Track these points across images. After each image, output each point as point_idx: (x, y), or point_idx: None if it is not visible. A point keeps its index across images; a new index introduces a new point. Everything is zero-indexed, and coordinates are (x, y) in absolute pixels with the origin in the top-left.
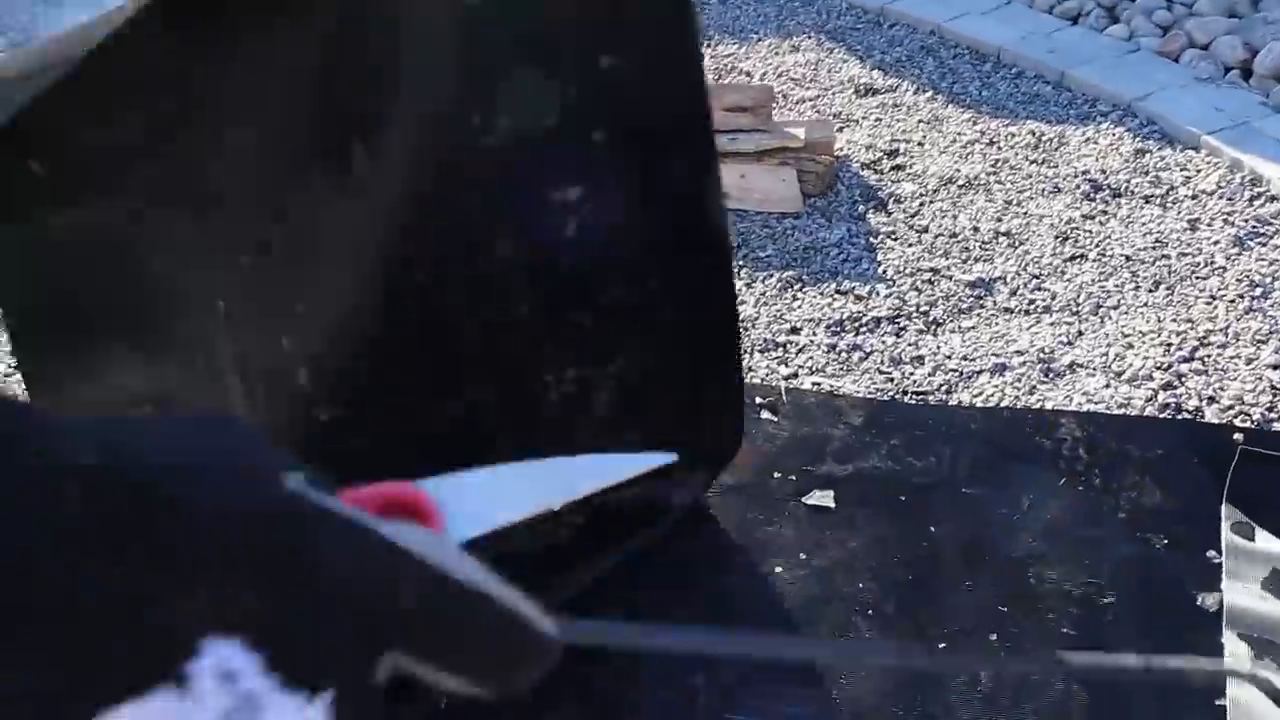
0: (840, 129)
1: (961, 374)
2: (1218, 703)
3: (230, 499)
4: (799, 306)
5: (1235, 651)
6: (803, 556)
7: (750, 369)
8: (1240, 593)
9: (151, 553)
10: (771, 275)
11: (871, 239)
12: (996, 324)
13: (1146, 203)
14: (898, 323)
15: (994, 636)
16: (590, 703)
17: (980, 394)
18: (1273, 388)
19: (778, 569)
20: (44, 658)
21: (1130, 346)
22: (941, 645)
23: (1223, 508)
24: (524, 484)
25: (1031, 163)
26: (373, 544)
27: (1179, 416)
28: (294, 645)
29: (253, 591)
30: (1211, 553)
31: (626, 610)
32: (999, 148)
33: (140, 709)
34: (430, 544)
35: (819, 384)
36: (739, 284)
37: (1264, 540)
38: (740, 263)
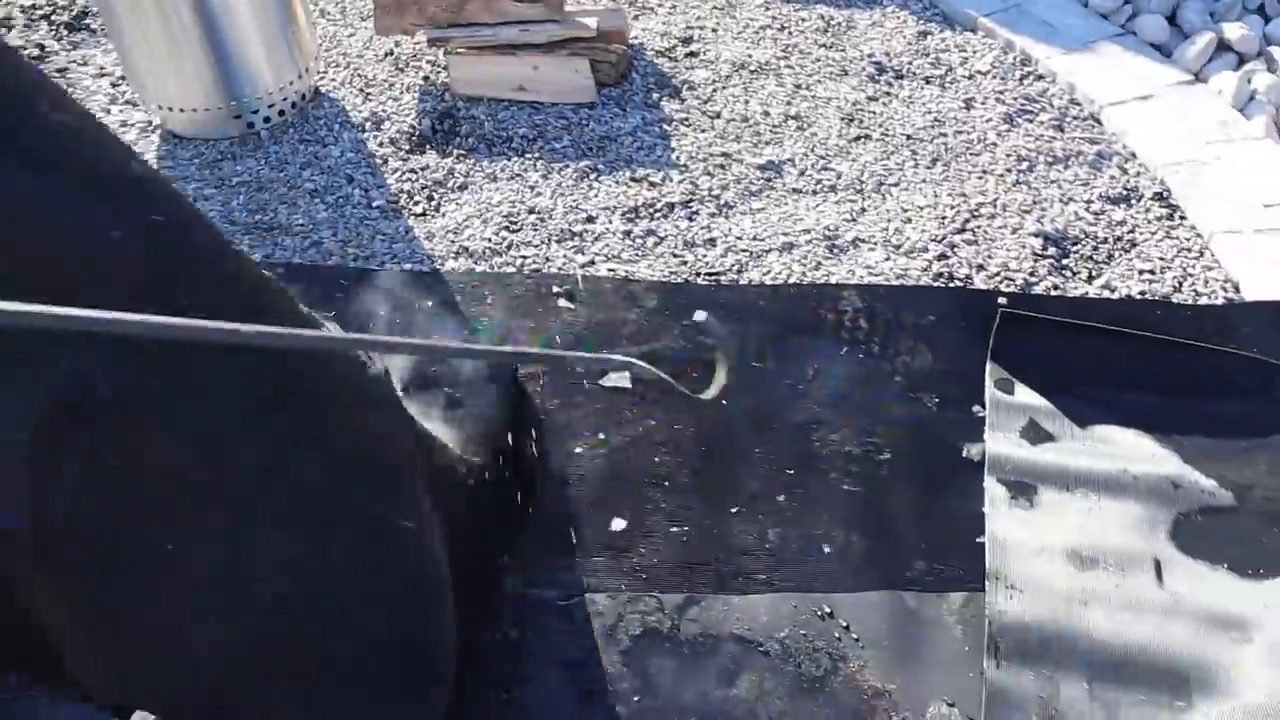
0: (635, 17)
1: (752, 254)
2: (978, 540)
3: None
4: (595, 195)
5: (994, 494)
6: (601, 435)
7: (548, 259)
8: (1001, 442)
9: None
10: (567, 166)
11: (665, 126)
12: (785, 205)
13: (927, 83)
14: (691, 207)
15: (781, 498)
16: None
17: (769, 272)
18: (1034, 255)
19: (577, 449)
20: None
21: (909, 221)
22: (734, 510)
23: (987, 366)
24: None
25: (820, 47)
26: None
27: (951, 285)
28: None
29: None
30: (977, 407)
31: None
32: (790, 33)
33: None
34: None
35: (614, 270)
36: (536, 176)
37: (1023, 394)
38: (537, 155)
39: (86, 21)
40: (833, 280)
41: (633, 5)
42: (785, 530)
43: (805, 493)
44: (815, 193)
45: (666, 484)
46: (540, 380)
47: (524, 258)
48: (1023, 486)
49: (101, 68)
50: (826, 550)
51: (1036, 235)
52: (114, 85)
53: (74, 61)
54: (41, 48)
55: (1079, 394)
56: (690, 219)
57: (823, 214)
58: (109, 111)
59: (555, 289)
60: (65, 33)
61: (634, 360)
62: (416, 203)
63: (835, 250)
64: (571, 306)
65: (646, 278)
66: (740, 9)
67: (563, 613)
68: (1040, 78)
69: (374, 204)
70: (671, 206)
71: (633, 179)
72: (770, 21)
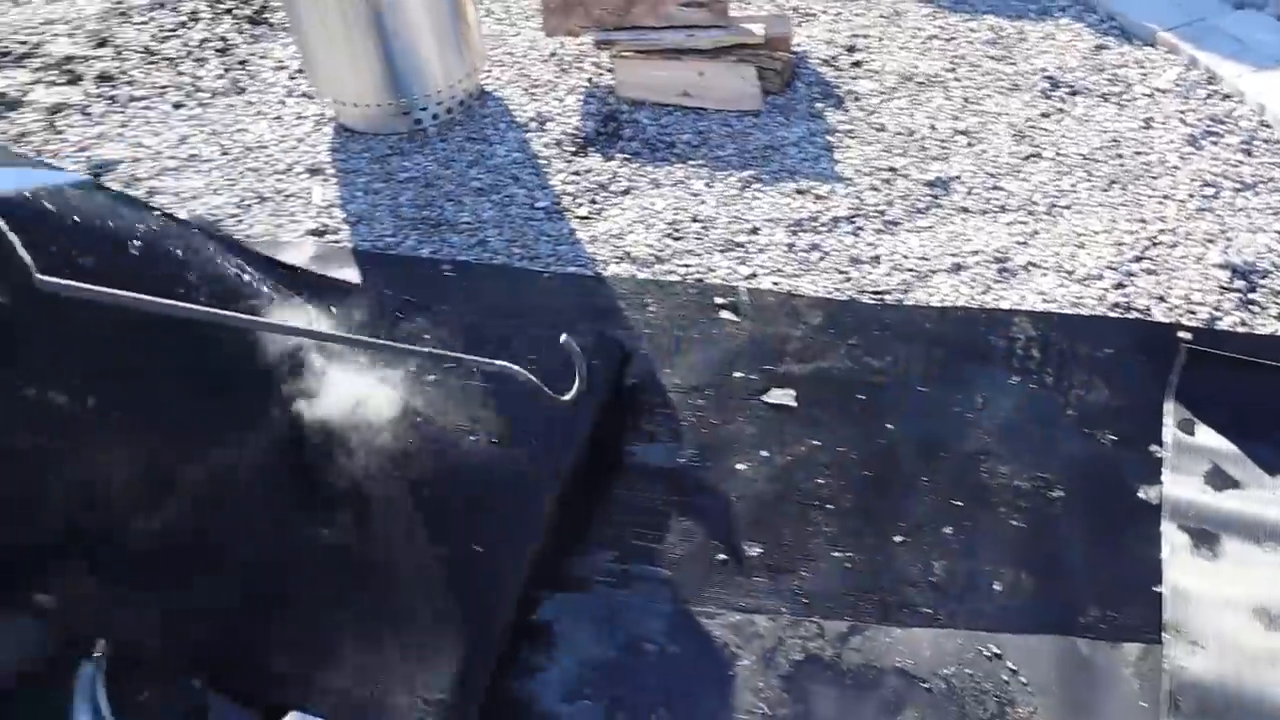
0: (798, 24)
1: (918, 274)
2: (1155, 589)
3: None
4: (759, 206)
5: (1174, 541)
6: (764, 454)
7: (711, 269)
8: (1181, 485)
9: None
10: (731, 175)
11: (830, 137)
12: (953, 224)
13: (1103, 101)
14: (855, 222)
15: (949, 530)
16: None
17: (936, 293)
18: (1219, 287)
19: (739, 466)
20: None
21: (1083, 246)
22: (899, 539)
23: (1167, 404)
24: None
25: (990, 59)
26: None
27: (1128, 315)
28: None
29: None
30: (1154, 447)
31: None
32: (958, 44)
33: None
34: None
35: (778, 283)
36: (699, 183)
37: (1206, 436)
38: (700, 161)
39: (267, 16)
40: (1003, 305)
41: (796, 12)
42: (951, 563)
43: (972, 526)
44: (984, 212)
45: (830, 507)
46: (703, 394)
47: (687, 266)
48: (1205, 535)
49: (280, 61)
50: (995, 588)
51: (1222, 266)
52: (291, 78)
53: (254, 54)
54: (224, 40)
55: (1269, 439)
56: (855, 234)
57: (992, 235)
58: (284, 104)
59: (718, 300)
60: (248, 26)
61: (509, 365)
62: (580, 205)
63: (1005, 274)
64: (736, 319)
65: (810, 293)
66: (906, 18)
67: (722, 632)
68: (1227, 97)
69: (538, 205)
70: (836, 221)
71: (797, 190)
72: (937, 32)
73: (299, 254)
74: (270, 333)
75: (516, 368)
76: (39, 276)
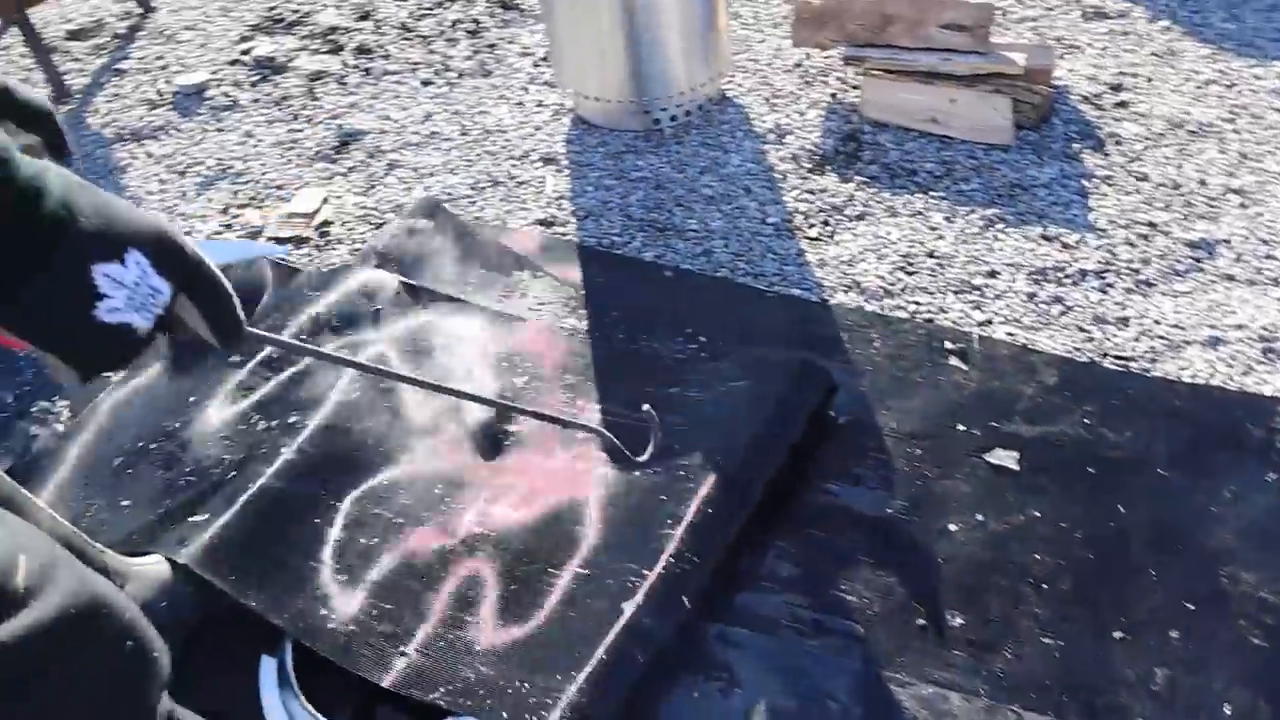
0: (1061, 56)
1: (1170, 343)
2: None
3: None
4: (1000, 248)
5: None
6: (979, 517)
7: (943, 309)
8: None
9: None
10: (974, 211)
11: (1085, 182)
12: (1215, 291)
13: None
14: (1105, 278)
15: (1175, 634)
16: None
17: (1189, 368)
18: None
19: (951, 527)
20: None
21: None
22: (1118, 635)
23: None
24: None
25: (1275, 111)
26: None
27: None
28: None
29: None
30: None
31: (808, 544)
32: (1240, 91)
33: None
34: (204, 252)
35: (1013, 335)
36: (939, 216)
37: None
38: (942, 194)
39: (518, 2)
40: (1265, 391)
41: (1060, 43)
42: (1176, 673)
43: (1205, 634)
44: (1254, 283)
45: (1044, 587)
46: (921, 443)
47: (917, 304)
48: None
49: (526, 48)
50: (1226, 711)
51: None
52: (535, 65)
53: (503, 39)
54: (476, 22)
55: None
56: (1103, 291)
57: (1260, 310)
58: (526, 90)
59: (948, 344)
60: (499, 10)
61: (600, 430)
62: (811, 226)
63: (1271, 355)
64: (964, 368)
65: (1048, 349)
66: (1181, 58)
67: (912, 704)
68: None
69: (768, 220)
70: (1083, 274)
71: (1043, 236)
72: (1216, 76)
73: (526, 243)
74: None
75: (599, 429)
76: (249, 329)
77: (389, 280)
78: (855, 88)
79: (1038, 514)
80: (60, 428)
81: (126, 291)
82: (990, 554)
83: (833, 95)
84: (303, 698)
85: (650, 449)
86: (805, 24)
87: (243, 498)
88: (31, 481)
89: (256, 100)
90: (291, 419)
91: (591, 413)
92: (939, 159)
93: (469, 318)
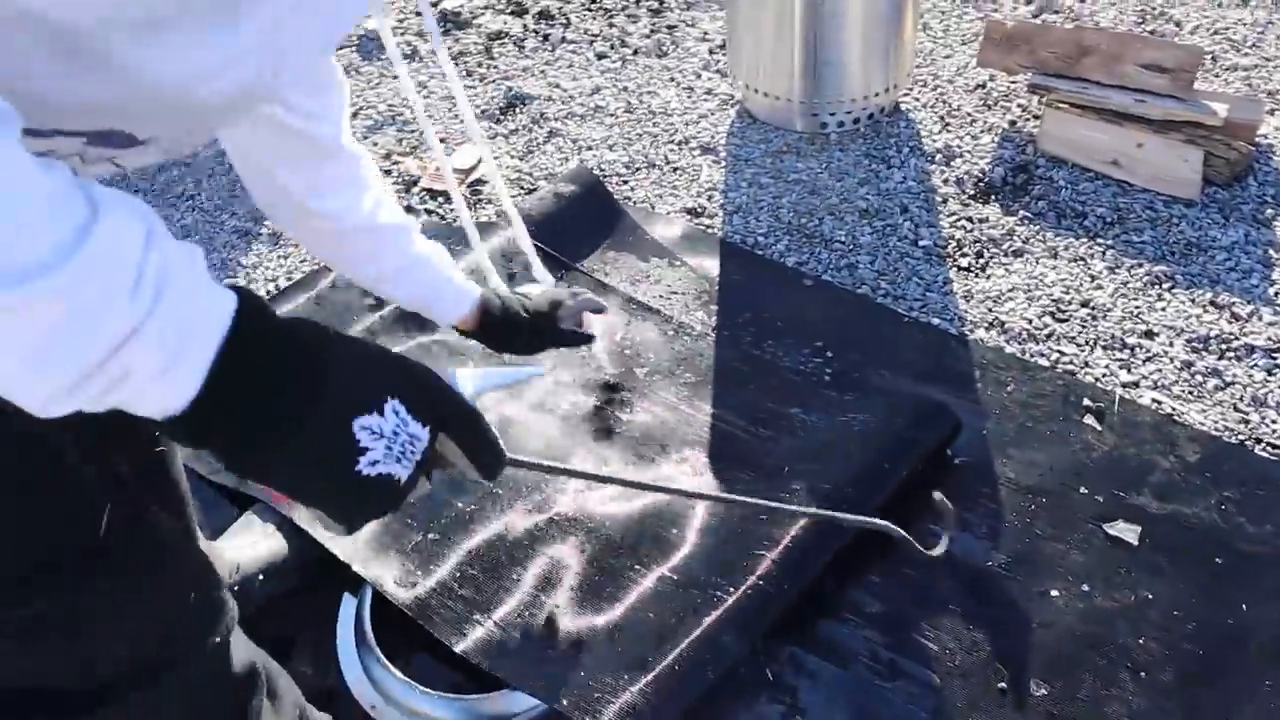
0: (1271, 111)
1: None
2: None
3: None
4: (1162, 309)
5: None
6: (1085, 588)
7: (1087, 364)
8: None
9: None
10: (1140, 265)
11: (1272, 251)
12: None
13: None
14: (1275, 358)
15: None
16: None
17: None
18: None
19: (1053, 592)
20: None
21: None
22: None
23: None
24: (480, 379)
25: None
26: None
27: None
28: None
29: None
30: None
31: (880, 603)
32: None
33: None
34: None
35: (1159, 402)
36: (1101, 265)
37: None
38: (1109, 242)
39: None
40: None
41: (1273, 96)
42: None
43: None
44: None
45: (1143, 674)
46: (1038, 499)
47: (1061, 354)
48: None
49: (705, 33)
50: None
51: None
52: (710, 52)
53: (684, 21)
54: (660, 1)
55: None
56: (1270, 373)
57: None
58: (699, 75)
59: (1086, 402)
60: None
61: (890, 526)
62: (964, 255)
63: None
64: (1098, 428)
65: (1195, 424)
66: None
67: None
68: None
69: (920, 243)
70: (1251, 350)
71: (1213, 303)
72: None
73: (669, 230)
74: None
75: (890, 526)
76: (510, 456)
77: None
78: (1037, 118)
79: (1149, 596)
80: None
81: (385, 441)
82: (1091, 628)
83: (1011, 123)
84: (374, 643)
85: (943, 545)
86: (995, 45)
87: None
88: None
89: (434, 52)
90: None
91: (704, 417)
92: (1113, 205)
93: (601, 297)
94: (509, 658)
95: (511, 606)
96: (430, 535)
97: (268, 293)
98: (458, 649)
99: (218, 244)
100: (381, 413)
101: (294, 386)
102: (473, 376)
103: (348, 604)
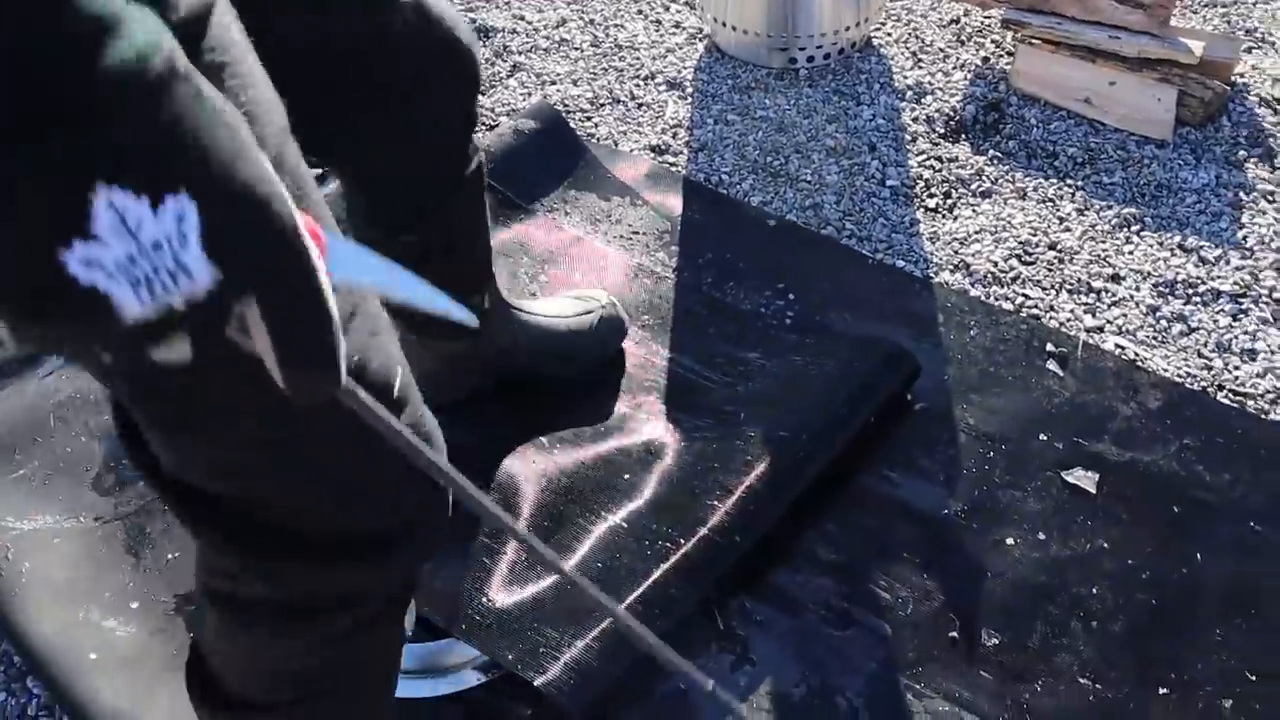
0: (1249, 50)
1: None
2: None
3: None
4: (1130, 251)
5: None
6: (1041, 536)
7: (1052, 308)
8: None
9: None
10: (1110, 208)
11: (1242, 194)
12: None
13: None
14: (1240, 304)
15: (1228, 703)
16: None
17: None
18: None
19: (1009, 540)
20: None
21: None
22: (1163, 692)
23: None
24: (376, 270)
25: None
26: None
27: None
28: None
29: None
30: None
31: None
32: None
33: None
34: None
35: (1123, 348)
36: (1070, 207)
37: None
38: (1079, 183)
39: None
40: None
41: (1251, 34)
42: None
43: (1263, 713)
44: None
45: (1094, 624)
46: (996, 446)
47: (1026, 297)
48: None
49: None
50: None
51: None
52: None
53: None
54: None
55: None
56: (1235, 318)
57: None
58: (668, 9)
59: (1049, 347)
60: None
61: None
62: (931, 196)
63: None
64: (1061, 374)
65: (1158, 370)
66: None
67: (924, 717)
68: None
69: (888, 182)
70: (1216, 295)
71: (1180, 246)
72: None
73: (633, 168)
74: None
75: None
76: (348, 382)
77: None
78: (1010, 54)
79: (1105, 545)
80: None
81: (132, 248)
82: (1044, 578)
83: (984, 59)
84: None
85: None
86: None
87: None
88: None
89: None
90: None
91: (661, 361)
92: (1084, 144)
93: (558, 238)
94: (458, 612)
95: (455, 558)
96: None
97: None
98: None
99: None
100: (155, 204)
101: (75, 92)
102: (358, 257)
103: None
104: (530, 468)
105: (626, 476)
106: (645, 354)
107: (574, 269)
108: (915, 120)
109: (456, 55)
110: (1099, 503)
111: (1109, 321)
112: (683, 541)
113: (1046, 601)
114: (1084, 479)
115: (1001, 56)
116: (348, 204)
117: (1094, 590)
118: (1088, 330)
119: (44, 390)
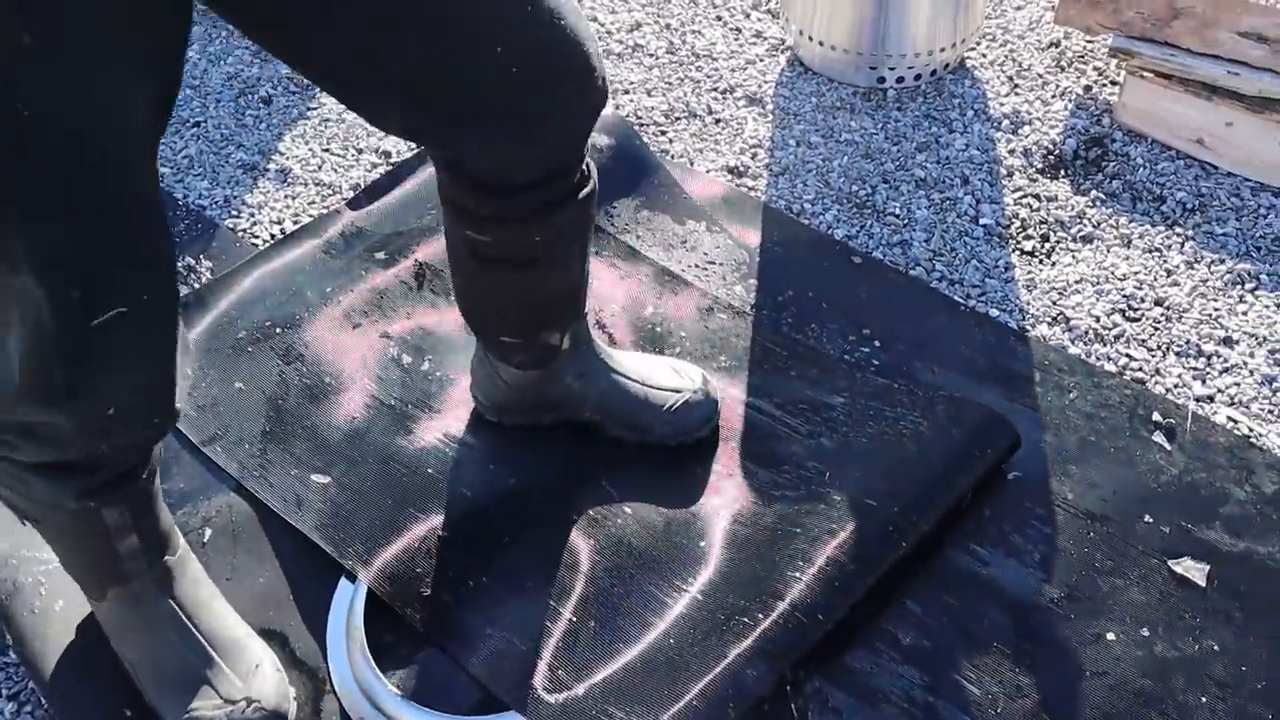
0: None
1: None
2: None
3: None
4: (1243, 312)
5: None
6: (1144, 633)
7: (1158, 372)
8: None
9: None
10: (1222, 261)
11: None
12: None
13: None
14: None
15: None
16: None
17: None
18: None
19: (1110, 635)
20: None
21: None
22: None
23: None
24: None
25: None
26: None
27: None
28: None
29: None
30: None
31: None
32: None
33: None
34: None
35: (1236, 421)
36: (1179, 258)
37: None
38: (1189, 232)
39: None
40: None
41: None
42: None
43: None
44: None
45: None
46: (1096, 526)
47: (1130, 358)
48: None
49: None
50: None
51: None
52: None
53: None
54: None
55: None
56: None
57: None
58: (748, 16)
59: (1156, 417)
60: None
61: None
62: (1028, 238)
63: None
64: (1168, 448)
65: (1274, 449)
66: None
67: None
68: None
69: (981, 220)
70: None
71: None
72: None
73: (709, 189)
74: None
75: None
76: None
77: None
78: (1115, 84)
79: (1216, 648)
80: (197, 287)
81: None
82: (1148, 681)
83: (1086, 88)
84: (365, 643)
85: None
86: (1076, 1)
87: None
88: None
89: None
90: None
91: (739, 406)
92: (1194, 189)
93: (632, 265)
94: (516, 676)
95: (524, 616)
96: (435, 525)
97: (271, 236)
98: (475, 671)
99: (221, 179)
100: None
101: None
102: None
103: (343, 591)
104: (594, 519)
105: (701, 543)
106: (722, 396)
107: (645, 303)
108: (1011, 153)
109: (589, 77)
110: (1209, 598)
111: (1220, 390)
112: (761, 617)
113: (1149, 709)
114: (1193, 570)
115: (1105, 85)
116: (440, 189)
117: (1202, 699)
118: (1196, 399)
119: None
